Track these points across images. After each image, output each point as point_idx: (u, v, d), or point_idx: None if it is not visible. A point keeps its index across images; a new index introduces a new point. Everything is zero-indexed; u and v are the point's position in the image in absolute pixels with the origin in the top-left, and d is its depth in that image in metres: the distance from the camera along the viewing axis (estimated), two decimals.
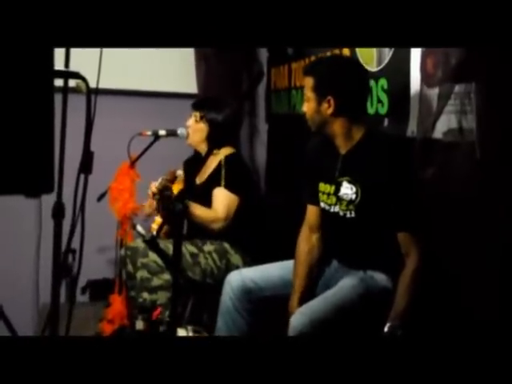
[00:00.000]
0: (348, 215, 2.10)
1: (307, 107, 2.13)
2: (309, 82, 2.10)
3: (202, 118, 2.94)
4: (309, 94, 2.10)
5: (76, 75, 1.50)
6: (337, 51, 2.60)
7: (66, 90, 1.66)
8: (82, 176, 1.61)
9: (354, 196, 2.07)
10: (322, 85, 2.07)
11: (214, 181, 2.84)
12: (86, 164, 1.60)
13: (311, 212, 2.31)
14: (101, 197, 2.94)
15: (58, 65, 1.44)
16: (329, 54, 2.68)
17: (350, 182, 2.08)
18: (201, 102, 3.05)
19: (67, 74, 1.56)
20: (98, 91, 1.63)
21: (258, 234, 2.98)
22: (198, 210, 2.71)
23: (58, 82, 1.46)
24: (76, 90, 1.58)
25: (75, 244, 1.70)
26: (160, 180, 2.65)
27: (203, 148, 2.99)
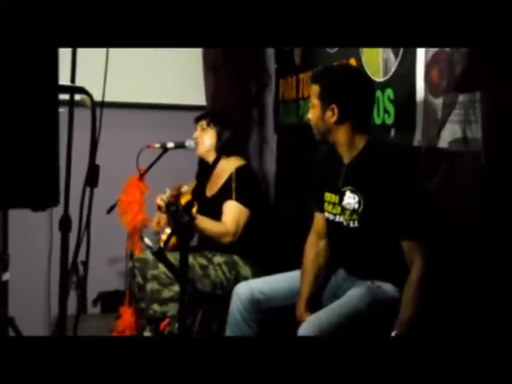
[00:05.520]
0: (351, 225, 2.10)
1: (312, 114, 2.15)
2: (315, 89, 2.13)
3: (208, 124, 2.96)
4: (314, 101, 2.13)
5: (81, 90, 1.53)
6: (344, 62, 2.61)
7: (72, 105, 1.68)
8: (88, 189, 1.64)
9: (356, 205, 2.07)
10: (326, 92, 2.09)
11: (224, 193, 2.85)
12: (92, 177, 1.62)
13: (319, 219, 2.32)
14: (110, 209, 2.97)
15: (64, 79, 1.46)
16: (336, 63, 2.68)
17: (352, 191, 2.09)
18: (203, 114, 3.09)
19: (72, 89, 1.59)
20: (103, 105, 1.65)
21: (266, 245, 2.99)
22: (206, 223, 2.71)
23: (64, 96, 1.48)
24: (81, 104, 1.61)
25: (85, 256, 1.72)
26: (167, 194, 2.67)
27: (213, 158, 3.00)
